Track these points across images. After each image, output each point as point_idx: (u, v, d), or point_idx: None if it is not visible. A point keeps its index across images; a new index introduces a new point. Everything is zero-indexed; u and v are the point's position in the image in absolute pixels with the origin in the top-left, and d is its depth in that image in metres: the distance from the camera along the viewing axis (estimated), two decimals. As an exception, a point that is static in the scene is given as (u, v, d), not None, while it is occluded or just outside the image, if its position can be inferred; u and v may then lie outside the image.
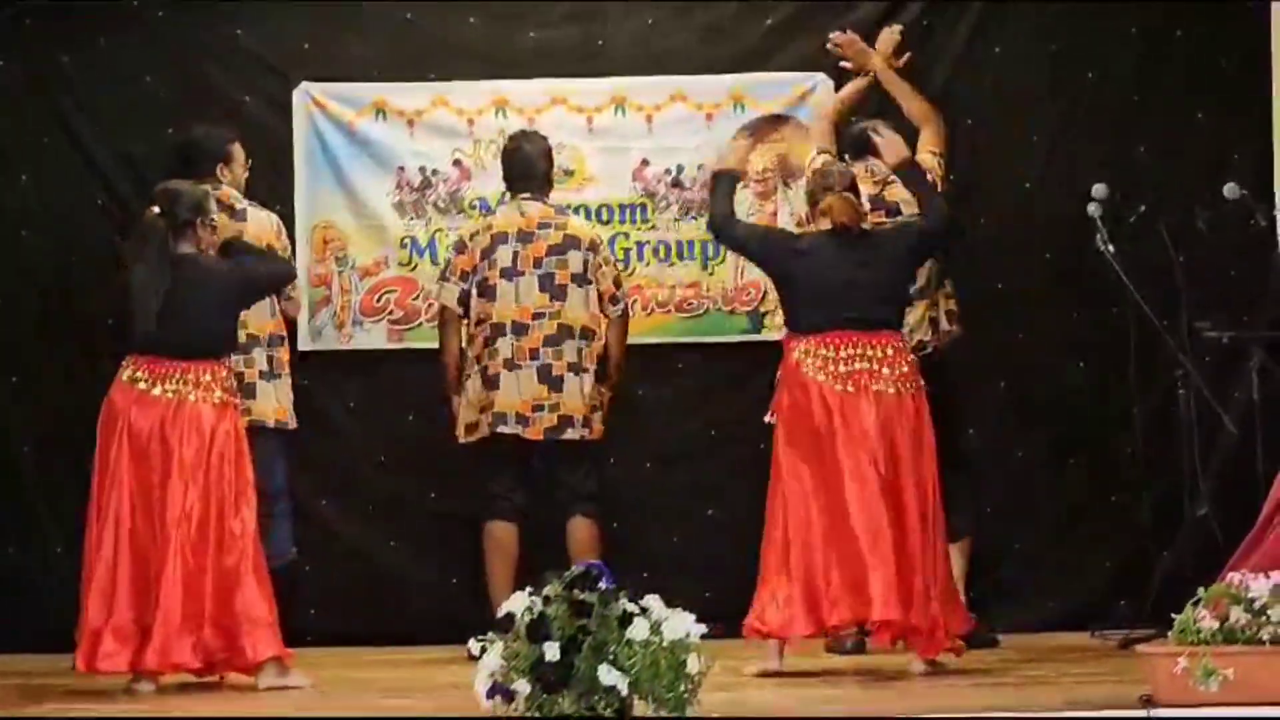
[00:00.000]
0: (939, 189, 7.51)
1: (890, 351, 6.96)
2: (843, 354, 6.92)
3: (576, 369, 7.86)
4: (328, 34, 8.72)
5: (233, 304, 7.08)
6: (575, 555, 7.57)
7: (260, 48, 8.70)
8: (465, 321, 7.95)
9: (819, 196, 7.14)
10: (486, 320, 7.86)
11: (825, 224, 7.10)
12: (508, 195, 8.09)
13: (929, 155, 7.75)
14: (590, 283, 7.92)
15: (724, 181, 7.26)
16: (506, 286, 7.86)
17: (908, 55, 8.03)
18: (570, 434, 7.85)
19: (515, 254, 7.88)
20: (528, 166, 7.99)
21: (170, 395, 6.86)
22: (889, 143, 7.26)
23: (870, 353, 6.93)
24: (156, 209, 6.94)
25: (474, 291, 7.87)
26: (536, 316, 7.85)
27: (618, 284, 8.04)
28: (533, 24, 8.75)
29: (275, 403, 7.72)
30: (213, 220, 7.04)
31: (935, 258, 7.66)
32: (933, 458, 6.98)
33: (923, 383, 7.02)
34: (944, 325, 7.84)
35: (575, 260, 7.90)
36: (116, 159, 8.60)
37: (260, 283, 7.23)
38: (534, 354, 7.83)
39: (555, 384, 7.82)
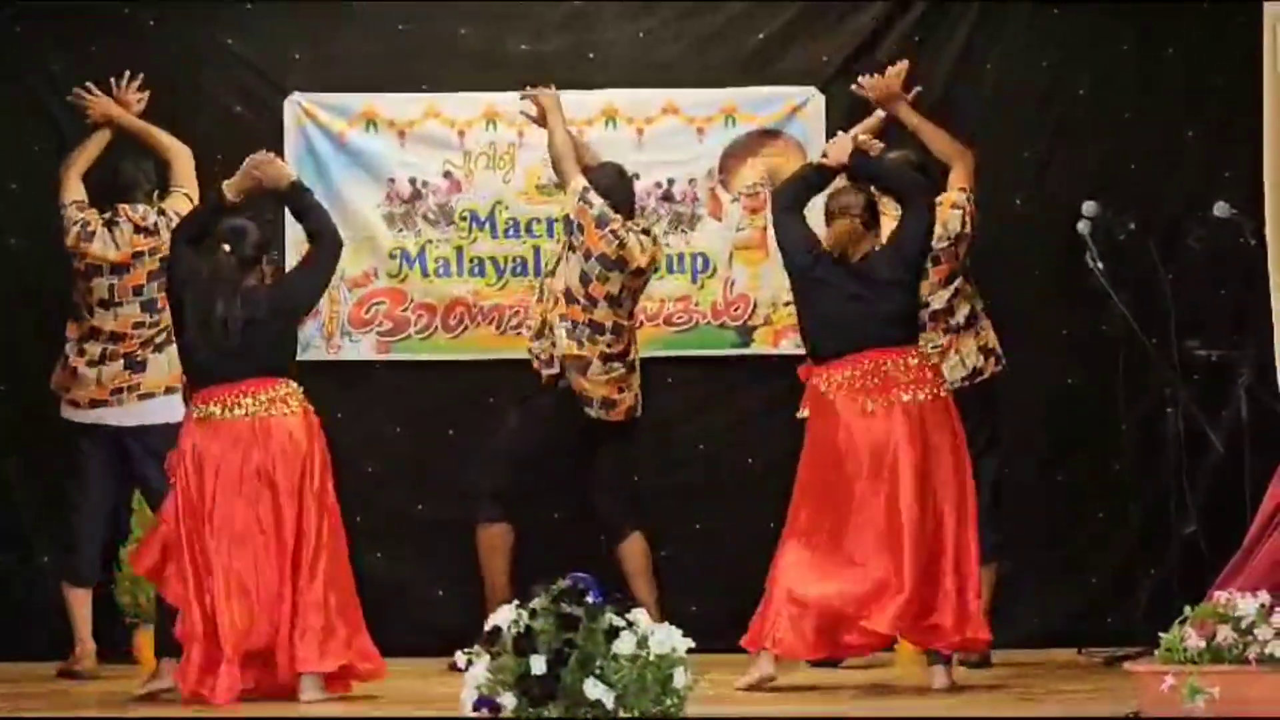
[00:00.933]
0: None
1: (911, 363, 6.95)
2: (863, 372, 6.91)
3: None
4: (319, 43, 8.72)
5: (291, 323, 7.14)
6: (633, 576, 7.91)
7: (251, 56, 8.69)
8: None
9: (830, 220, 7.12)
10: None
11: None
12: (620, 218, 7.98)
13: (958, 193, 7.77)
14: None
15: (809, 173, 7.26)
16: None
17: (917, 89, 8.01)
18: (638, 412, 8.02)
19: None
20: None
21: (247, 417, 6.88)
22: (835, 144, 7.22)
23: (890, 369, 6.91)
24: (227, 246, 6.97)
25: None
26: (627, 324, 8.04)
27: None
28: (524, 34, 8.74)
29: None
30: (274, 258, 7.06)
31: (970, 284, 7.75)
32: (966, 464, 6.96)
33: (947, 390, 7.04)
34: (987, 360, 7.84)
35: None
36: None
37: (305, 300, 7.26)
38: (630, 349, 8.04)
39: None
